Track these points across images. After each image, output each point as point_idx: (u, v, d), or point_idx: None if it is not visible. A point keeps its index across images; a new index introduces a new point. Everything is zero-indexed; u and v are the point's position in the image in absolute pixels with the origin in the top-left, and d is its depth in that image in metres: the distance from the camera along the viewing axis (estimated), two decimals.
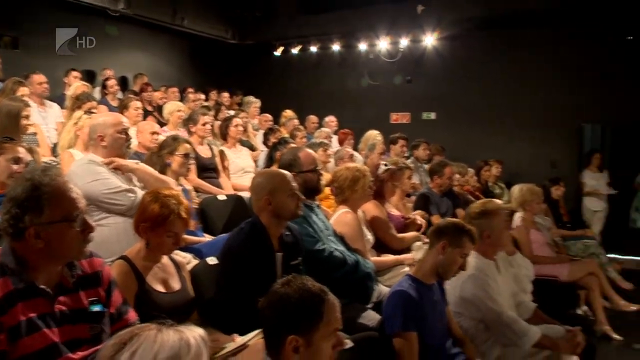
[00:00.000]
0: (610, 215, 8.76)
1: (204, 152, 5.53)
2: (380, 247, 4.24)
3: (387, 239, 4.30)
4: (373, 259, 3.87)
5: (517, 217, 5.78)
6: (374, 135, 7.07)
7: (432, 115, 10.55)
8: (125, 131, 3.47)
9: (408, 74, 10.60)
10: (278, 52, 11.40)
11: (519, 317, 3.31)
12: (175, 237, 2.60)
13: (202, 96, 8.93)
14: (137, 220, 2.62)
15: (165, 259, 2.70)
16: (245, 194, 4.45)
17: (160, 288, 2.60)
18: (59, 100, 6.72)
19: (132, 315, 2.18)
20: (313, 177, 3.50)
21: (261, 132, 7.53)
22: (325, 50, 11.12)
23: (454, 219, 3.26)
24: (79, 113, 4.80)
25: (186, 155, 4.14)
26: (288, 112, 8.54)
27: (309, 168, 3.49)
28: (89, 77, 8.75)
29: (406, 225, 4.66)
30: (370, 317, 3.22)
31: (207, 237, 4.02)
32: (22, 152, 3.33)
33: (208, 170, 5.45)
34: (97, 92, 7.90)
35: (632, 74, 8.76)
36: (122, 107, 6.22)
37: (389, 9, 9.96)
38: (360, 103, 10.76)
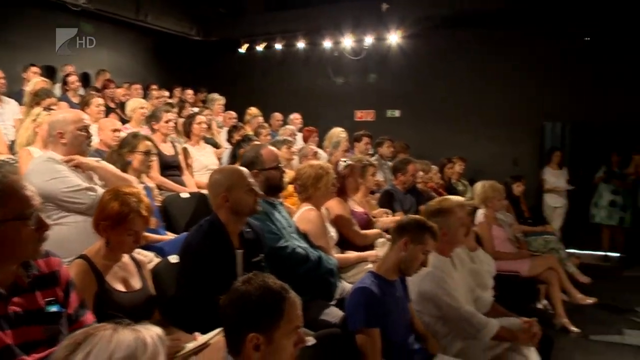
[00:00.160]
0: (570, 211, 8.95)
1: (167, 149, 5.48)
2: (344, 244, 4.25)
3: (351, 235, 4.32)
4: (336, 256, 3.88)
5: (480, 213, 5.87)
6: (337, 132, 7.09)
7: (397, 113, 10.62)
8: (85, 128, 3.41)
9: (373, 71, 10.64)
10: (243, 49, 11.32)
11: (477, 311, 3.36)
12: (136, 236, 2.57)
13: (166, 93, 8.86)
14: (96, 219, 2.58)
15: (125, 258, 2.66)
16: None
17: (120, 287, 2.56)
18: (17, 96, 6.57)
19: (89, 317, 2.14)
20: (276, 175, 3.50)
21: (225, 130, 7.49)
22: (290, 47, 11.08)
23: (416, 216, 3.28)
24: (37, 110, 4.69)
25: (147, 153, 4.09)
26: (252, 110, 8.50)
27: (271, 165, 3.49)
28: (49, 72, 8.58)
29: (370, 221, 4.69)
30: (334, 313, 3.23)
31: (170, 235, 3.98)
32: None
33: (171, 168, 5.41)
34: (57, 89, 7.77)
35: (590, 74, 8.96)
36: (84, 104, 6.13)
37: (354, 6, 9.99)
38: (325, 100, 10.76)
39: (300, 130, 8.26)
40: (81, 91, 7.82)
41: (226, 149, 6.61)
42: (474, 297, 3.74)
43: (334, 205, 4.30)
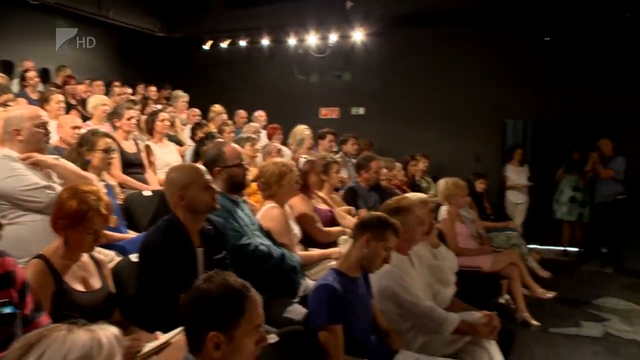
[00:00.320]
0: (532, 207, 9.12)
1: (130, 147, 5.42)
2: (308, 241, 4.26)
3: (314, 232, 4.33)
4: (300, 253, 3.89)
5: (443, 210, 5.94)
6: (301, 130, 7.09)
7: (361, 111, 10.67)
8: (43, 125, 3.34)
9: (337, 69, 10.67)
10: (207, 46, 11.25)
11: (436, 306, 3.40)
12: (95, 234, 2.53)
13: (129, 90, 8.74)
14: (54, 217, 2.53)
15: (85, 257, 2.62)
16: None
17: (79, 287, 2.52)
18: None
19: (45, 319, 2.11)
20: (238, 172, 3.47)
21: (189, 127, 7.43)
22: (254, 44, 11.04)
23: (378, 213, 3.30)
24: None
25: (107, 151, 4.03)
26: (217, 107, 8.46)
27: (234, 163, 3.46)
28: (6, 68, 8.39)
29: (334, 219, 4.71)
30: (297, 311, 3.24)
31: (132, 234, 3.94)
32: None
33: (133, 165, 5.35)
34: (15, 85, 7.60)
35: (551, 73, 9.14)
36: (43, 101, 6.02)
37: (318, 4, 9.99)
38: (290, 98, 10.75)
39: (264, 128, 8.25)
40: (40, 87, 7.67)
41: (189, 146, 6.55)
42: (434, 292, 3.78)
43: (297, 203, 4.31)
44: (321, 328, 2.83)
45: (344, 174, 6.46)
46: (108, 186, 4.05)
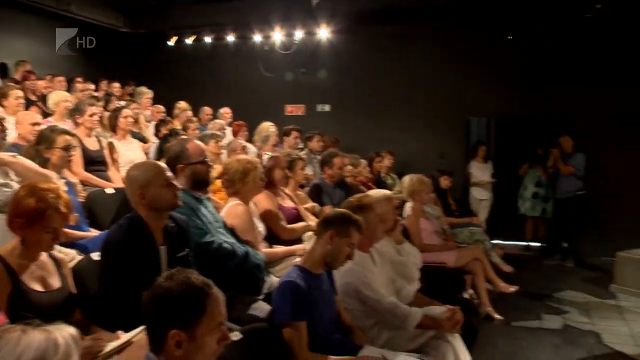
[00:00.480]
0: (496, 203, 9.26)
1: (92, 144, 5.35)
2: (273, 238, 4.26)
3: (278, 230, 4.33)
4: (264, 250, 3.88)
5: (408, 206, 6.00)
6: (267, 127, 7.07)
7: (327, 108, 10.67)
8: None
9: (303, 66, 10.65)
10: (172, 42, 11.12)
11: (399, 302, 3.43)
12: (55, 233, 2.49)
13: (92, 86, 8.61)
14: (10, 216, 2.47)
15: (44, 256, 2.57)
16: None
17: (37, 287, 2.47)
18: None
19: (1, 319, 2.07)
20: (202, 169, 3.44)
21: (153, 124, 7.36)
22: (219, 41, 10.96)
23: (342, 209, 3.31)
24: None
25: (66, 148, 3.95)
26: (182, 104, 8.38)
27: (197, 160, 3.43)
28: None
29: (299, 216, 4.71)
30: (261, 308, 3.22)
31: (94, 232, 3.90)
32: None
33: (96, 163, 5.29)
34: None
35: (514, 71, 9.27)
36: (1, 96, 5.91)
37: (284, 0, 9.96)
38: (256, 95, 10.69)
39: (230, 125, 8.21)
40: None
41: (153, 143, 6.49)
42: (397, 288, 3.82)
43: (261, 199, 4.30)
44: (285, 325, 2.83)
45: (309, 170, 6.47)
46: (69, 184, 3.99)
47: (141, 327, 2.24)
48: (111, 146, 5.61)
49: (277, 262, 4.00)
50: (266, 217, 4.26)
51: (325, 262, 3.04)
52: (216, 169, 4.58)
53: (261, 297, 3.43)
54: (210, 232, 3.34)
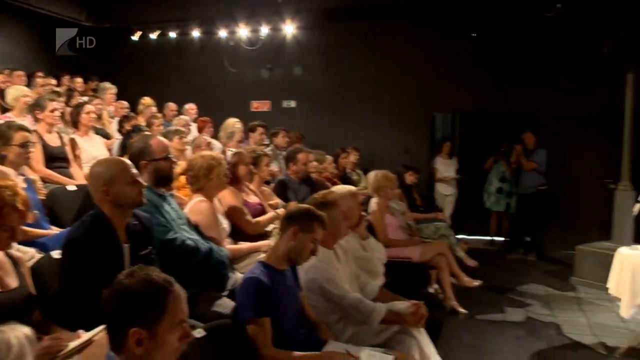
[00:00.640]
0: (461, 198, 9.38)
1: (53, 140, 5.25)
2: (237, 235, 4.24)
3: (244, 225, 4.31)
4: (229, 247, 3.87)
5: (373, 202, 6.03)
6: (232, 123, 7.03)
7: (293, 104, 10.66)
8: None
9: (269, 62, 10.62)
10: (136, 37, 10.96)
11: (363, 298, 3.45)
12: (12, 231, 2.43)
13: (53, 81, 8.42)
14: None
15: (0, 255, 2.51)
16: None
17: None
18: None
19: None
20: (165, 165, 3.40)
21: (117, 120, 7.25)
22: (184, 36, 10.84)
23: (305, 205, 3.31)
24: None
25: (23, 145, 3.86)
26: (146, 100, 8.28)
27: (160, 156, 3.39)
28: None
29: (264, 212, 4.70)
30: (225, 304, 3.21)
31: (55, 230, 3.83)
32: None
33: (57, 159, 5.19)
34: None
35: (478, 67, 9.37)
36: None
37: None
38: (221, 91, 10.62)
39: (195, 121, 8.14)
40: None
41: (117, 139, 6.40)
42: (361, 284, 3.84)
43: (226, 196, 4.27)
44: (249, 321, 2.82)
45: (274, 167, 6.46)
46: (28, 181, 3.91)
47: (102, 326, 2.21)
48: (73, 142, 5.52)
49: (241, 258, 3.99)
50: (231, 213, 4.25)
51: (289, 258, 3.04)
52: (180, 166, 4.55)
53: (225, 293, 3.42)
54: (173, 229, 3.32)
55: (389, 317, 3.42)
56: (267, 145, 7.27)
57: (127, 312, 1.76)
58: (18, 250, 2.82)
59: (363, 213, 4.50)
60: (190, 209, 3.76)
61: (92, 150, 5.70)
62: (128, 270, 1.85)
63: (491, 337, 5.32)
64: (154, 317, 1.75)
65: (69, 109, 6.30)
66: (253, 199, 4.71)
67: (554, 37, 8.76)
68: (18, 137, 3.85)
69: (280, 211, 4.53)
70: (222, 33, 10.57)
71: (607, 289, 5.13)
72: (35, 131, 4.79)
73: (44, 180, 4.78)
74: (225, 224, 4.04)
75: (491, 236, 9.56)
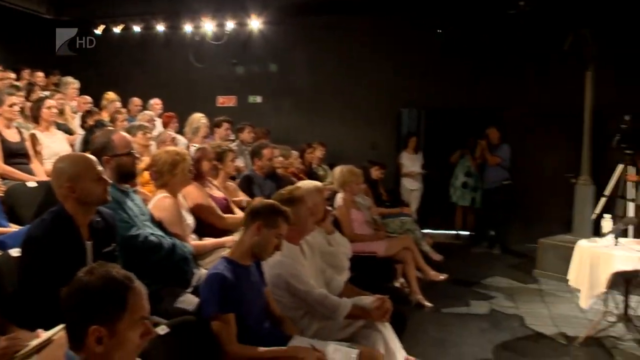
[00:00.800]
0: (427, 193, 9.47)
1: (12, 136, 5.15)
2: (202, 230, 4.21)
3: (215, 221, 4.29)
4: (193, 243, 3.83)
5: (339, 197, 6.05)
6: (197, 118, 6.97)
7: (258, 99, 10.61)
8: None
9: (234, 57, 10.55)
10: (99, 31, 10.76)
11: (328, 293, 3.46)
12: None
13: (12, 75, 8.23)
14: None
15: None
16: None
17: None
18: None
19: None
20: (127, 161, 3.35)
21: (80, 115, 7.14)
22: (149, 30, 10.68)
23: (269, 200, 3.31)
24: None
25: None
26: (110, 94, 8.16)
27: (123, 151, 3.34)
28: None
29: (229, 207, 4.68)
30: (189, 301, 3.20)
31: (13, 227, 3.76)
32: None
33: (17, 155, 5.10)
34: None
35: (443, 64, 9.47)
36: None
37: None
38: (187, 86, 10.51)
39: (160, 116, 8.05)
40: None
41: (80, 135, 6.30)
42: (327, 279, 3.86)
43: (191, 192, 4.24)
44: (213, 317, 2.81)
45: (240, 162, 6.43)
46: None
47: (62, 325, 2.18)
48: (34, 138, 5.41)
49: (206, 254, 3.96)
50: (198, 209, 4.21)
51: (253, 253, 3.03)
52: (144, 161, 4.50)
53: (190, 290, 3.40)
54: (136, 225, 3.28)
55: (354, 312, 3.44)
56: (233, 141, 7.24)
57: (87, 309, 1.72)
58: None
59: (329, 208, 4.52)
60: (154, 205, 3.71)
61: (54, 146, 5.60)
62: (87, 268, 1.82)
63: (456, 330, 5.39)
64: (114, 315, 1.73)
65: (29, 104, 6.17)
66: (217, 193, 4.68)
67: (518, 34, 8.89)
68: None
69: None
70: (188, 27, 10.45)
71: (567, 280, 5.24)
72: None
73: (3, 176, 4.69)
74: (189, 219, 4.00)
75: (456, 230, 9.69)
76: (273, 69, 10.40)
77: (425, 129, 10.61)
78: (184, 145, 6.28)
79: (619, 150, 6.68)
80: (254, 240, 3.00)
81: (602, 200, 6.79)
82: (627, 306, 5.15)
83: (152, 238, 3.30)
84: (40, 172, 5.12)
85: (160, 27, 10.57)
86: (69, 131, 6.50)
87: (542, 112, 8.91)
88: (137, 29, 10.67)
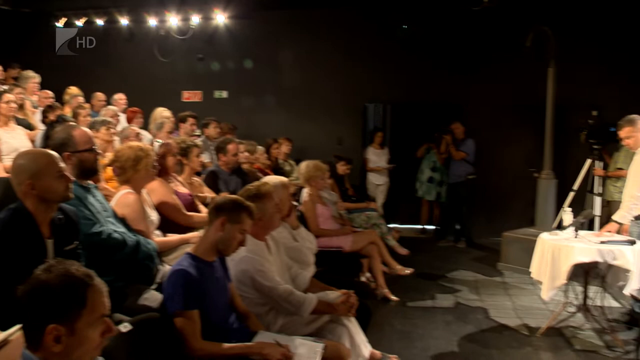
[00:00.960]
0: (393, 188, 9.53)
1: None
2: (166, 227, 4.16)
3: (181, 218, 4.25)
4: (158, 240, 3.79)
5: (304, 192, 6.05)
6: (161, 113, 6.91)
7: (224, 94, 10.54)
8: None
9: (200, 51, 10.44)
10: (60, 24, 10.53)
11: (294, 289, 3.47)
12: None
13: None
14: None
15: None
16: None
17: None
18: None
19: None
20: (89, 157, 3.29)
21: (41, 110, 6.99)
22: (112, 24, 10.50)
23: (233, 195, 3.29)
24: None
25: None
26: (72, 89, 8.02)
27: (84, 147, 3.28)
28: None
29: (194, 203, 4.64)
30: (153, 297, 3.16)
31: None
32: None
33: None
34: None
35: (409, 59, 9.55)
36: None
37: None
38: (152, 80, 10.36)
39: (124, 111, 7.94)
40: None
41: (41, 130, 6.17)
42: (292, 275, 3.86)
43: (155, 188, 4.18)
44: (177, 314, 2.80)
45: (205, 158, 6.38)
46: None
47: (18, 325, 2.13)
48: None
49: (170, 251, 3.91)
50: (162, 207, 4.16)
51: (217, 249, 3.02)
52: (108, 157, 4.43)
53: (154, 286, 3.36)
54: (99, 222, 3.23)
55: (319, 307, 3.47)
56: (198, 136, 7.18)
57: (44, 307, 1.69)
58: None
59: (295, 203, 4.52)
60: (117, 201, 3.66)
61: (13, 141, 5.48)
62: (45, 265, 1.78)
63: (421, 323, 5.46)
64: (73, 313, 1.69)
65: None
66: (182, 189, 4.63)
67: (482, 30, 9.01)
68: None
69: None
70: (152, 21, 10.30)
71: (530, 273, 5.34)
72: None
73: None
74: (153, 216, 3.95)
75: (422, 225, 9.78)
76: (239, 64, 10.32)
77: (390, 123, 10.67)
78: (149, 141, 6.21)
79: (587, 145, 6.83)
80: (217, 236, 2.99)
81: (571, 195, 6.93)
82: (586, 297, 5.27)
83: (116, 235, 3.26)
84: None
85: (124, 21, 10.40)
86: (29, 126, 6.36)
87: (506, 107, 9.06)
88: (100, 22, 10.47)
